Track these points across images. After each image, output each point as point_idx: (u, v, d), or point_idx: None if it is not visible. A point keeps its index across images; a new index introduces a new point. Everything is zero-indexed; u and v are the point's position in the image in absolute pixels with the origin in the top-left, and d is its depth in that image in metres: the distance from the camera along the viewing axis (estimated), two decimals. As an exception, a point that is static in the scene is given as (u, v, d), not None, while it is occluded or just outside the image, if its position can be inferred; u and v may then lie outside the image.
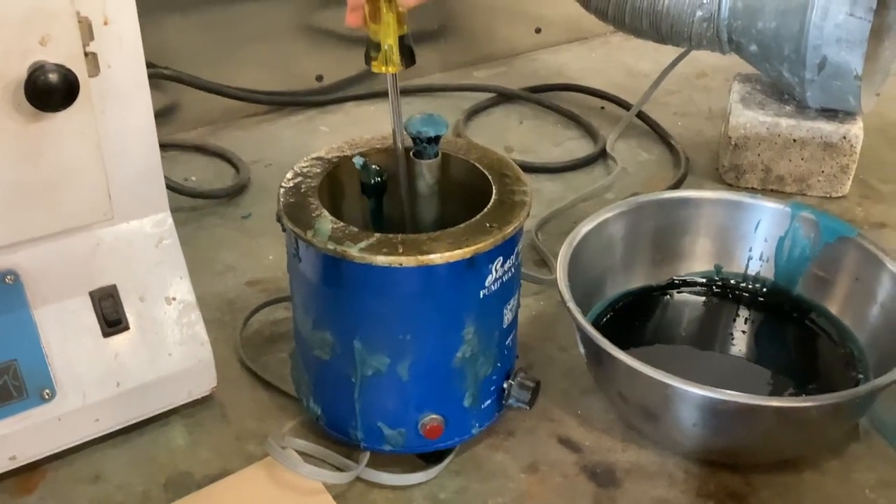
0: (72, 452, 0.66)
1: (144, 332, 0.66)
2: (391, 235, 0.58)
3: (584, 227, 0.74)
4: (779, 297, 0.78)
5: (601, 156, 1.06)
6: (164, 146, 0.66)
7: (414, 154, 0.65)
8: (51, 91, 0.54)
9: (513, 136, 1.10)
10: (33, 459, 0.64)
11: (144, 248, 0.66)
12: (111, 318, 0.65)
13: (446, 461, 0.65)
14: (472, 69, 1.27)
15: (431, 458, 0.65)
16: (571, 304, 0.66)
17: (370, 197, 0.66)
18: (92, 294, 0.64)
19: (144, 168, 0.64)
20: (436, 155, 0.65)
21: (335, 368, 0.62)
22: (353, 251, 0.57)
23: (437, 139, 0.64)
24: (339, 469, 0.64)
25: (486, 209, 0.61)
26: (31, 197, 0.59)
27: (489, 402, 0.65)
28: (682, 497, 0.64)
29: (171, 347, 0.67)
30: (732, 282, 0.80)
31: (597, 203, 0.94)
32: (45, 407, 0.62)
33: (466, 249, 0.57)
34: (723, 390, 0.59)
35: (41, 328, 0.62)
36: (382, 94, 1.18)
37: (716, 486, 0.65)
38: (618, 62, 1.29)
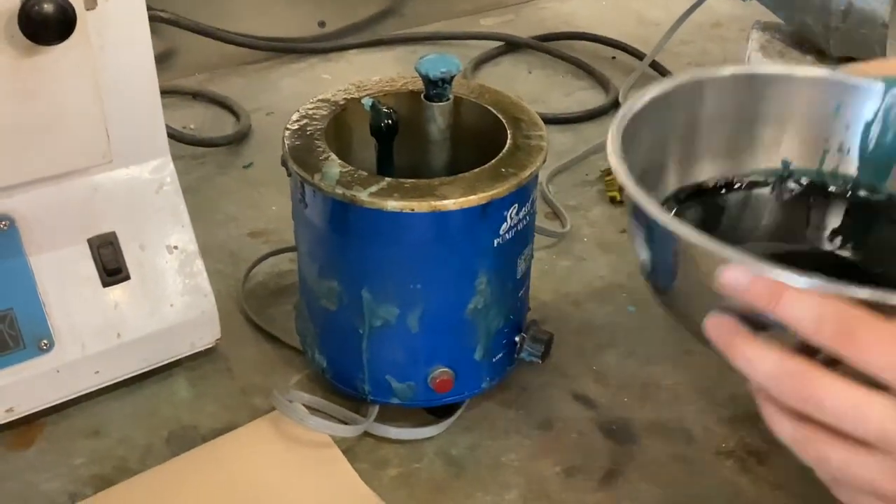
0: (71, 405, 0.64)
1: (145, 281, 0.64)
2: (402, 180, 0.55)
3: (634, 107, 0.58)
4: (863, 195, 0.59)
5: (613, 106, 1.03)
6: (161, 92, 0.63)
7: (425, 97, 0.62)
8: (46, 21, 0.51)
9: (522, 86, 1.07)
10: (31, 412, 0.62)
11: (145, 194, 0.64)
12: (111, 267, 0.62)
13: (455, 415, 0.64)
14: (479, 17, 1.23)
15: (441, 412, 0.64)
16: (634, 189, 0.47)
17: (380, 140, 0.63)
18: (90, 241, 0.62)
19: (144, 109, 0.62)
20: (448, 98, 0.62)
21: (342, 319, 0.60)
22: (363, 196, 0.54)
23: (450, 79, 0.61)
24: (346, 423, 0.63)
25: (500, 154, 0.58)
26: (26, 137, 0.56)
27: (501, 355, 0.63)
28: (701, 454, 0.62)
29: (173, 298, 0.65)
30: (805, 179, 0.60)
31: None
32: (43, 358, 0.61)
33: (481, 195, 0.55)
34: (850, 286, 0.41)
35: (38, 276, 0.60)
36: (387, 42, 1.16)
37: (735, 443, 0.63)
38: (629, 10, 1.26)
